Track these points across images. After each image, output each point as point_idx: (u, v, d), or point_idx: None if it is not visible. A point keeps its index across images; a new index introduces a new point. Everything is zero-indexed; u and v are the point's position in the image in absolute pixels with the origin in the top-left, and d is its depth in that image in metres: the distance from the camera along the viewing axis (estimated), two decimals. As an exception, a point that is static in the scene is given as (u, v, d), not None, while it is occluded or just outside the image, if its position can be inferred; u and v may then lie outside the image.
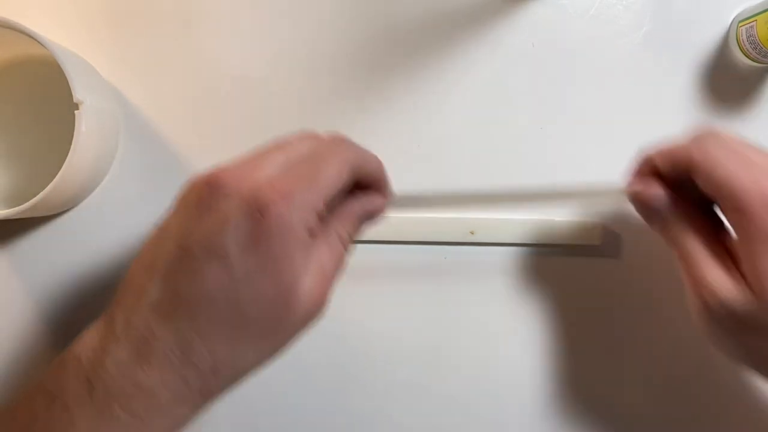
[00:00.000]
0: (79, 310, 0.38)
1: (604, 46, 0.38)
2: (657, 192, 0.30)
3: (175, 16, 0.38)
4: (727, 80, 0.38)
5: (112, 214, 0.38)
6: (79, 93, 0.31)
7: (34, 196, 0.31)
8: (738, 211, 0.27)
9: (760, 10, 0.35)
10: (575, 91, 0.38)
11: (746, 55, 0.37)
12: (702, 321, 0.29)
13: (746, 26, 0.36)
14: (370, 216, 0.30)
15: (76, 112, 0.31)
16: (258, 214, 0.24)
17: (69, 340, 0.26)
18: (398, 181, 0.38)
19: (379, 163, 0.30)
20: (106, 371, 0.24)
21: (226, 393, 0.26)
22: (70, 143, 0.31)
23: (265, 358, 0.26)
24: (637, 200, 0.31)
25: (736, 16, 0.38)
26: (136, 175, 0.38)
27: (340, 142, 0.29)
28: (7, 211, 0.32)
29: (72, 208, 0.38)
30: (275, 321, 0.25)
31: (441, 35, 0.38)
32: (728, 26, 0.38)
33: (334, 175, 0.26)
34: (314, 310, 0.26)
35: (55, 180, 0.31)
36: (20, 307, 0.38)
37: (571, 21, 0.38)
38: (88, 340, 0.25)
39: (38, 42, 0.31)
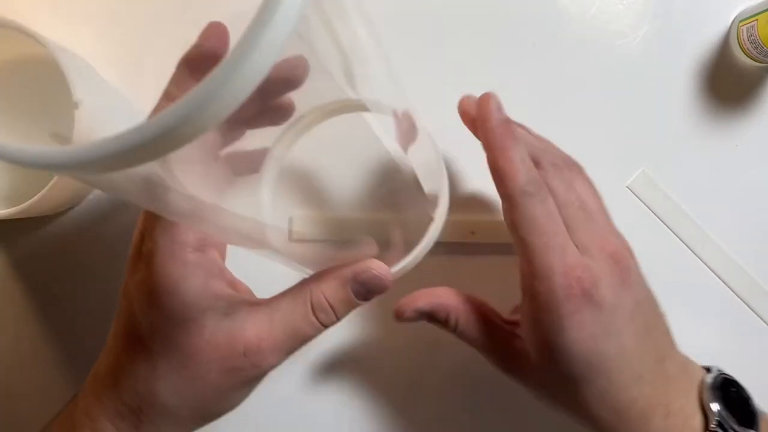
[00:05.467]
0: (80, 310, 0.38)
1: (604, 46, 0.38)
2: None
3: (176, 16, 0.38)
4: (727, 80, 0.38)
5: (112, 214, 0.38)
6: (78, 93, 0.31)
7: (34, 196, 0.31)
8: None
9: (761, 9, 0.35)
10: (575, 90, 0.38)
11: (747, 55, 0.37)
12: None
13: (747, 26, 0.36)
14: None
15: (75, 112, 0.31)
16: None
17: (68, 340, 0.26)
18: (398, 181, 0.38)
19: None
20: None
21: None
22: (70, 143, 0.31)
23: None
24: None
25: (737, 16, 0.38)
26: (136, 175, 0.38)
27: None
28: (7, 211, 0.32)
29: (72, 208, 0.38)
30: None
31: (441, 34, 0.38)
32: (729, 26, 0.38)
33: None
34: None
35: (55, 180, 0.31)
36: (20, 307, 0.38)
37: (572, 21, 0.38)
38: None
39: (38, 42, 0.31)
